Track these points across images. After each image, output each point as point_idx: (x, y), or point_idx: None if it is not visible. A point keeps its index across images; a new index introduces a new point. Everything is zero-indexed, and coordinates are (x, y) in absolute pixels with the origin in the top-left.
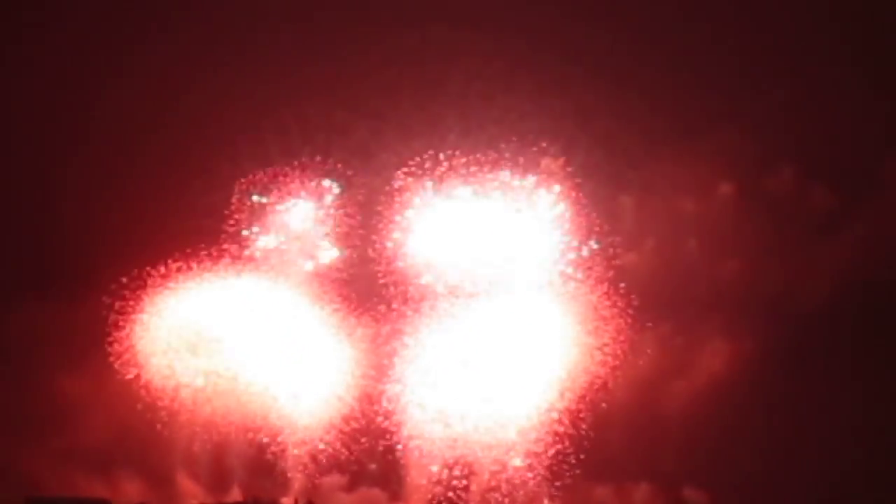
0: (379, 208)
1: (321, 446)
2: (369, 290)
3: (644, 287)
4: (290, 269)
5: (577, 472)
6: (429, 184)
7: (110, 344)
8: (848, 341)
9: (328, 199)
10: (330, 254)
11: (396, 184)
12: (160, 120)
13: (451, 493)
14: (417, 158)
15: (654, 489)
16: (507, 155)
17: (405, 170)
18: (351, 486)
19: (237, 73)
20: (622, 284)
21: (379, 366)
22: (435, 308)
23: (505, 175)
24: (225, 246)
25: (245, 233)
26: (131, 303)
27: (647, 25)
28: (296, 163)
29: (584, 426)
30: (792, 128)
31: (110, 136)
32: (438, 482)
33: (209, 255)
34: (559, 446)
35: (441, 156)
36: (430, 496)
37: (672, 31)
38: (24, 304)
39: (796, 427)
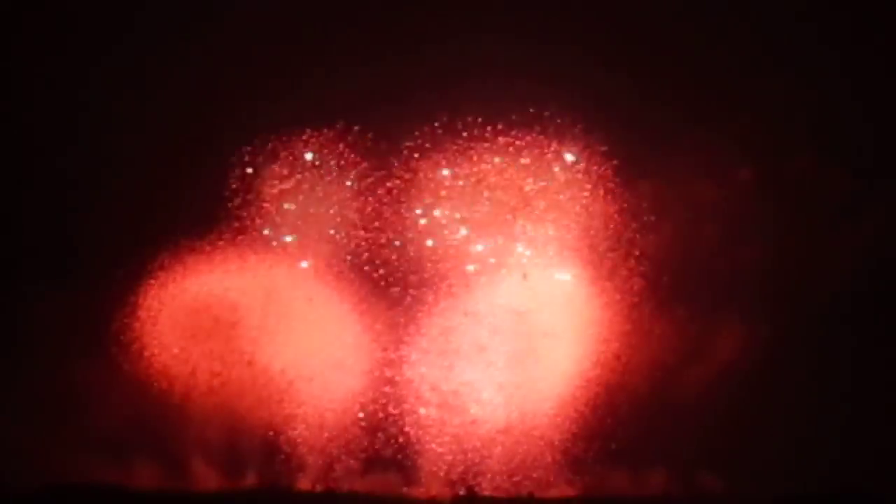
0: (395, 187)
1: (337, 431)
2: (386, 272)
3: (661, 273)
4: (306, 252)
5: (593, 457)
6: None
7: (124, 329)
8: (867, 327)
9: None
10: (344, 235)
11: (412, 161)
12: (161, 96)
13: (465, 478)
14: (430, 142)
15: (669, 474)
16: (522, 141)
17: (420, 149)
18: (366, 471)
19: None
20: (639, 270)
21: (395, 350)
22: (451, 292)
23: (522, 158)
24: (239, 228)
25: (257, 214)
26: (146, 287)
27: (666, 9)
28: (307, 136)
29: (599, 411)
30: (811, 113)
31: (109, 120)
32: (453, 466)
33: (224, 238)
34: (574, 431)
35: (456, 141)
36: (445, 480)
37: (690, 15)
38: (37, 291)
39: (814, 413)
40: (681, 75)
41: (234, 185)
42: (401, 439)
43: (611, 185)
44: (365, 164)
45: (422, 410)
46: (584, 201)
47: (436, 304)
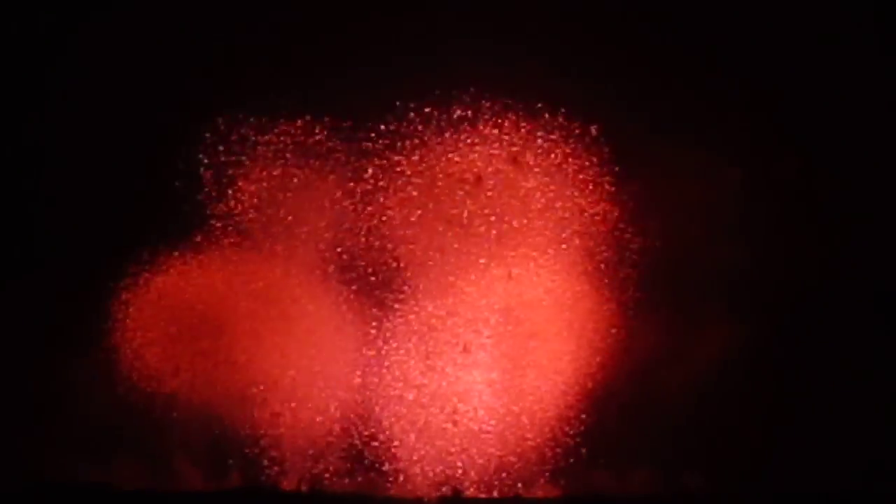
0: (376, 181)
1: (321, 431)
2: (370, 270)
3: (646, 272)
4: (291, 250)
5: (578, 457)
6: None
7: (109, 328)
8: (852, 328)
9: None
10: (327, 233)
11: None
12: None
13: (450, 478)
14: (413, 133)
15: (653, 474)
16: (508, 137)
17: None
18: (351, 471)
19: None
20: (625, 270)
21: (379, 349)
22: (436, 291)
23: (507, 155)
24: (224, 227)
25: (234, 211)
26: (130, 286)
27: (657, 7)
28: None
29: (584, 411)
30: (801, 115)
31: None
32: (438, 467)
33: (209, 237)
34: (559, 431)
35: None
36: (430, 481)
37: (682, 13)
38: (20, 289)
39: (798, 412)
40: (668, 74)
41: (207, 182)
42: (386, 440)
43: (597, 184)
44: (345, 157)
45: (407, 411)
46: (570, 200)
47: (420, 304)
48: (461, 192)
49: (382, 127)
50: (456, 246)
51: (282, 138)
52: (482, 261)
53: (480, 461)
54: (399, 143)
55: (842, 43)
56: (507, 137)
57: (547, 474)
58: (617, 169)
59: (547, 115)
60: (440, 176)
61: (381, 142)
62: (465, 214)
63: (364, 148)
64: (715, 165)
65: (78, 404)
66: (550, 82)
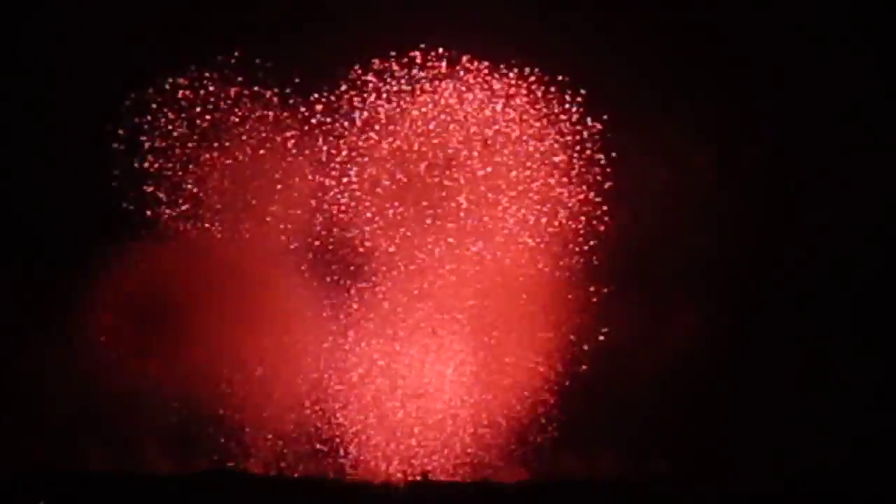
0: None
1: (289, 416)
2: (337, 252)
3: (615, 257)
4: (257, 232)
5: (546, 441)
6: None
7: (74, 313)
8: (824, 316)
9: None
10: (295, 213)
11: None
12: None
13: (419, 463)
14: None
15: (620, 458)
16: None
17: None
18: (319, 456)
19: None
20: (594, 254)
21: (346, 333)
22: (402, 273)
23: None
24: (190, 209)
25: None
26: (95, 272)
27: None
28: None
29: (553, 395)
30: (772, 100)
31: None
32: (407, 452)
33: (174, 219)
34: (528, 416)
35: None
36: (399, 466)
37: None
38: None
39: (766, 399)
40: (641, 58)
41: (173, 162)
42: (354, 424)
43: (569, 167)
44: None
45: (375, 395)
46: (541, 184)
47: (387, 286)
48: (432, 174)
49: (353, 101)
50: (426, 229)
51: (249, 114)
52: (452, 243)
53: (449, 446)
54: (367, 120)
55: (821, 29)
56: (478, 118)
57: (515, 458)
58: (588, 154)
59: (519, 100)
60: (410, 156)
61: (348, 119)
62: (436, 197)
63: (331, 127)
64: (685, 150)
65: (46, 390)
66: (524, 63)
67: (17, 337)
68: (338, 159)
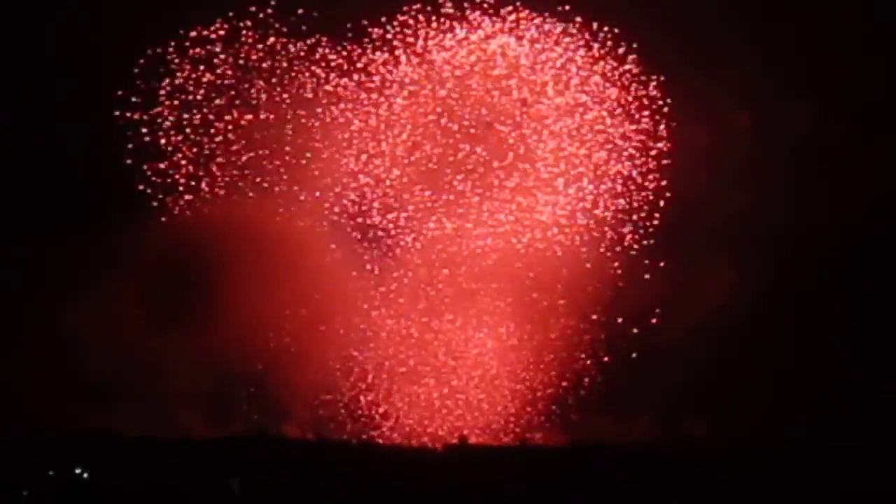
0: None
1: (328, 382)
2: (372, 215)
3: (650, 217)
4: (290, 195)
5: (581, 405)
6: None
7: (110, 277)
8: (857, 276)
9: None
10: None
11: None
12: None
13: (457, 427)
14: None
15: (655, 421)
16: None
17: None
18: (359, 421)
19: None
20: (628, 215)
21: (383, 297)
22: (436, 234)
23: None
24: (222, 171)
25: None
26: (131, 235)
27: None
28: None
29: (587, 360)
30: (809, 62)
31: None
32: (445, 416)
33: (207, 182)
34: (563, 380)
35: None
36: (437, 430)
37: None
38: (21, 240)
39: (800, 360)
40: (680, 20)
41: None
42: (393, 390)
43: (603, 130)
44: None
45: (411, 359)
46: (573, 141)
47: (423, 250)
48: (467, 136)
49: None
50: (459, 191)
51: (280, 73)
52: (486, 208)
53: (486, 409)
54: (403, 82)
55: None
56: (514, 80)
57: (551, 422)
58: (624, 114)
59: (557, 64)
60: (445, 118)
61: (385, 80)
62: (471, 159)
63: (366, 86)
64: (724, 111)
65: (79, 353)
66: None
67: (55, 303)
68: (374, 124)
